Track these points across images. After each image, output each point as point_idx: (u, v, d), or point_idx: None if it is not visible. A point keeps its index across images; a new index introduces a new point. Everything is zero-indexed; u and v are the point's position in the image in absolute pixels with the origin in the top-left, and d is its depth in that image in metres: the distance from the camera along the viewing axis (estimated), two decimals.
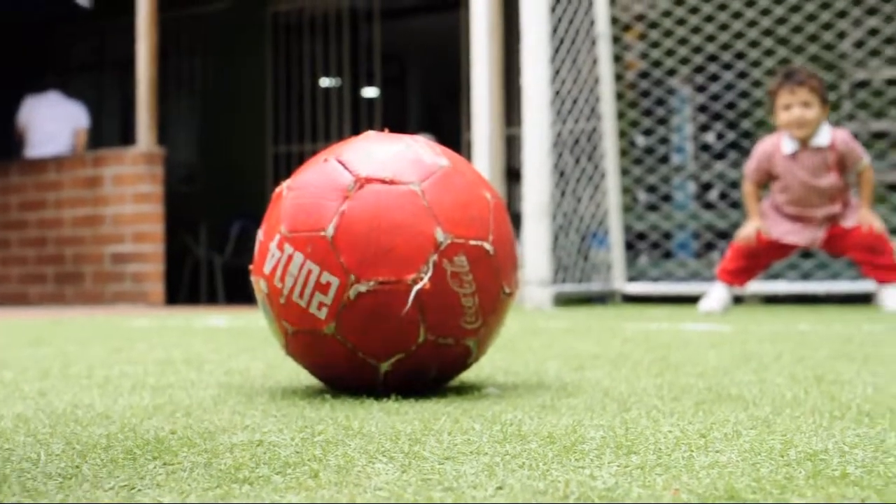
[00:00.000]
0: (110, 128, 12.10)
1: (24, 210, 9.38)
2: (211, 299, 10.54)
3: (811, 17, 7.74)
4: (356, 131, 10.81)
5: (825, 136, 5.37)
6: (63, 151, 9.58)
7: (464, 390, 2.09)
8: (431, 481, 1.17)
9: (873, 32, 7.51)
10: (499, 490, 1.11)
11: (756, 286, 7.14)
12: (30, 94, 9.88)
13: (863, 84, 7.65)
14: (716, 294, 5.70)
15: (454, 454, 1.37)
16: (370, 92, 11.07)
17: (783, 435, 1.49)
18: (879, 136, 7.55)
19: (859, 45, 7.60)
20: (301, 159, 10.97)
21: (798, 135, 5.35)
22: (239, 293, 10.00)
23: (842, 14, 7.54)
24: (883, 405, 1.79)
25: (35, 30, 11.89)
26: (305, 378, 2.32)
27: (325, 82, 11.13)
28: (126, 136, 11.54)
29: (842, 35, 7.60)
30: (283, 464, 1.29)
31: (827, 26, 7.53)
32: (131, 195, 8.71)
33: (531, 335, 3.85)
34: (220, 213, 10.55)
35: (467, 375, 2.38)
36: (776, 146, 5.51)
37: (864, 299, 6.55)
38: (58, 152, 9.53)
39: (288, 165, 10.99)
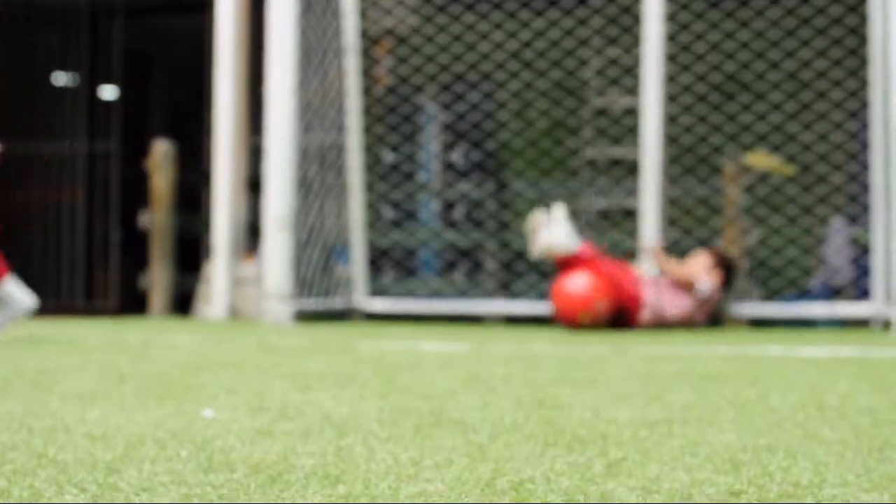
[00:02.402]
0: None
1: None
2: None
3: (555, 44, 7.97)
4: (92, 132, 10.37)
5: None
6: None
7: (180, 412, 1.99)
8: None
9: (613, 62, 7.81)
10: None
11: (498, 306, 7.28)
12: None
13: (602, 111, 7.93)
14: None
15: (152, 485, 1.29)
16: (108, 91, 10.64)
17: (495, 463, 1.47)
18: (616, 162, 7.84)
19: (600, 73, 7.88)
20: (30, 160, 10.41)
21: None
22: None
23: (584, 42, 7.81)
24: (596, 430, 1.81)
25: None
26: (10, 397, 2.16)
27: (58, 79, 10.63)
28: None
29: (584, 62, 7.86)
30: None
31: (570, 53, 7.78)
32: None
33: (264, 353, 3.76)
34: None
35: (189, 394, 2.28)
36: None
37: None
38: None
39: (14, 167, 10.38)
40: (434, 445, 1.63)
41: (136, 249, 10.98)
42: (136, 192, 11.99)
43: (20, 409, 1.99)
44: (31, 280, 10.74)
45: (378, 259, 7.98)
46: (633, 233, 6.85)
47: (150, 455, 1.52)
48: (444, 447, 1.61)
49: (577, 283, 5.76)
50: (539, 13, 7.98)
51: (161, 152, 7.97)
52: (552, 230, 5.94)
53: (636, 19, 7.06)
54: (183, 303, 7.93)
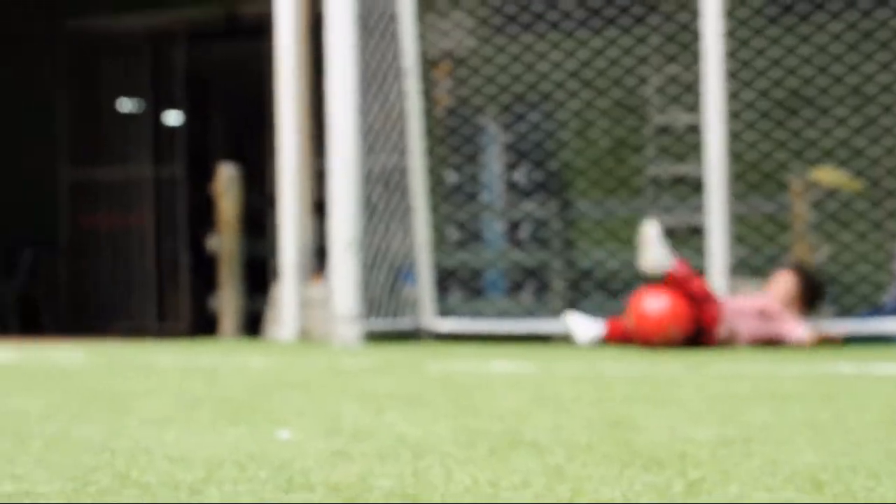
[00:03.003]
0: None
1: None
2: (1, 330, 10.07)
3: (614, 62, 7.96)
4: (158, 157, 10.52)
5: None
6: None
7: (256, 434, 2.01)
8: None
9: (673, 79, 7.78)
10: None
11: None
12: None
13: (665, 129, 7.89)
14: None
15: None
16: (172, 116, 10.78)
17: (573, 484, 1.47)
18: (680, 179, 7.79)
19: (660, 90, 7.85)
20: (98, 186, 10.59)
21: None
22: (30, 324, 9.58)
23: (643, 60, 7.78)
24: (673, 450, 1.80)
25: None
26: (86, 421, 2.20)
27: (124, 105, 10.79)
28: None
29: (644, 80, 7.83)
30: None
31: (629, 71, 7.76)
32: None
33: (335, 374, 3.79)
34: (9, 241, 10.07)
35: (264, 416, 2.31)
36: None
37: None
38: None
39: (84, 192, 10.57)
40: (510, 466, 1.63)
41: (204, 272, 11.11)
42: (203, 215, 12.15)
43: (101, 432, 2.02)
44: (103, 303, 10.96)
45: (445, 279, 7.99)
46: (700, 250, 6.79)
47: (231, 476, 1.54)
48: (521, 468, 1.61)
49: (655, 305, 5.75)
50: (597, 32, 7.97)
51: (226, 176, 8.06)
52: (650, 247, 5.97)
53: (695, 36, 7.02)
54: (252, 324, 8.00)
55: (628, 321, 5.92)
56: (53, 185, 10.51)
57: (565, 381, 3.49)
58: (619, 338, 5.91)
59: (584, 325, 5.89)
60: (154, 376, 3.71)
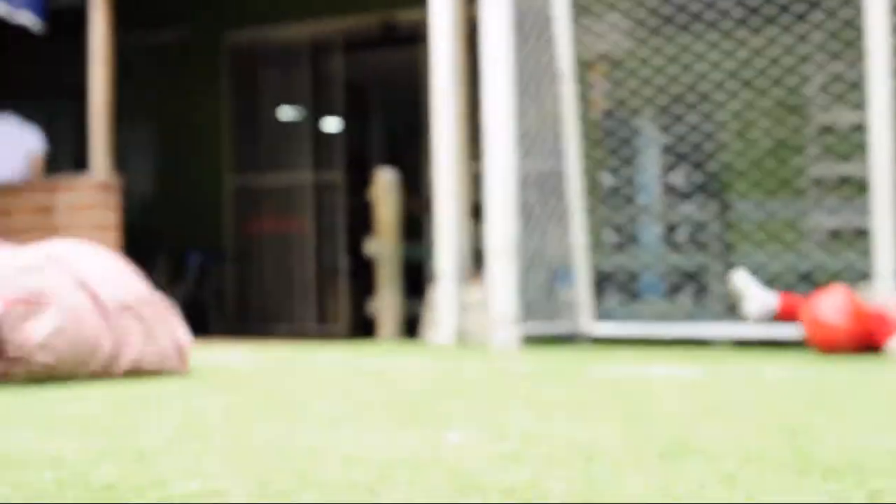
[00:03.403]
0: (64, 155, 11.96)
1: None
2: None
3: (775, 61, 7.80)
4: (317, 163, 10.75)
5: None
6: (16, 177, 9.45)
7: (426, 437, 2.04)
8: None
9: (837, 77, 7.57)
10: None
11: (726, 329, 7.13)
12: None
13: (828, 128, 7.70)
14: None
15: None
16: (331, 123, 11.02)
17: (748, 491, 1.46)
18: (845, 180, 7.59)
19: (823, 89, 7.66)
20: (261, 192, 10.89)
21: None
22: (198, 327, 9.89)
23: (805, 59, 7.60)
24: (851, 459, 1.77)
25: None
26: (264, 422, 2.27)
27: (284, 113, 11.07)
28: (80, 163, 11.40)
29: (806, 79, 7.65)
30: None
31: (791, 70, 7.59)
32: (86, 224, 8.59)
33: (496, 378, 3.81)
34: (178, 245, 10.46)
35: (432, 419, 2.34)
36: None
37: None
38: (10, 178, 9.41)
39: (247, 198, 10.89)
40: (682, 472, 1.62)
41: (363, 276, 11.30)
42: (361, 220, 12.35)
43: (277, 433, 2.08)
44: (265, 306, 11.25)
45: (601, 283, 7.96)
46: (866, 253, 6.60)
47: (405, 478, 1.57)
48: (693, 474, 1.60)
49: (831, 314, 5.64)
50: (756, 31, 7.82)
51: (385, 181, 8.18)
52: (747, 295, 5.92)
53: (859, 33, 6.82)
54: (410, 327, 8.11)
55: (802, 318, 5.79)
56: (218, 192, 10.86)
57: (730, 385, 3.44)
58: (789, 318, 5.81)
59: (759, 295, 5.78)
60: (321, 378, 3.79)
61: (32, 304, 3.28)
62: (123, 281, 3.61)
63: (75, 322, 3.33)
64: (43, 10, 8.81)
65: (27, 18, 8.68)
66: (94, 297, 3.44)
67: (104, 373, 3.40)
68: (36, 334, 3.23)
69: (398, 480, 1.56)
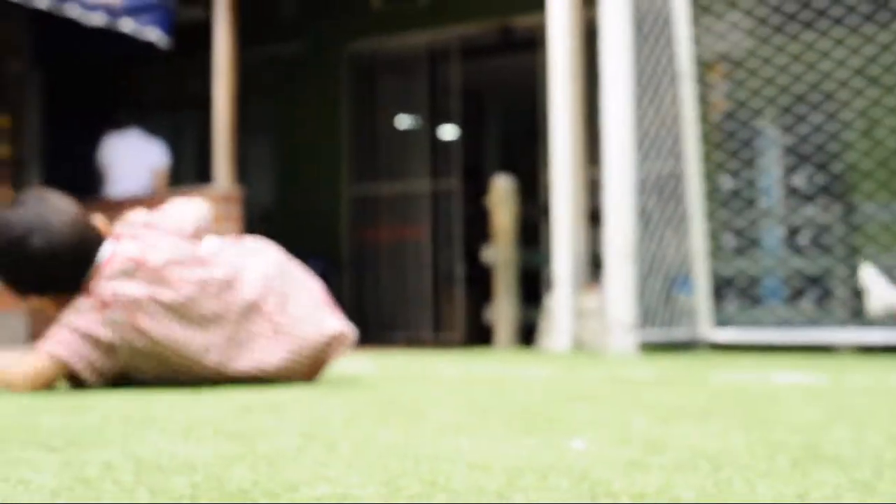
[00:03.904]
0: (187, 167, 12.27)
1: None
2: None
3: None
4: (435, 171, 10.82)
5: None
6: (142, 190, 9.72)
7: (549, 444, 2.04)
8: None
9: None
10: None
11: (851, 335, 6.96)
12: (109, 134, 10.04)
13: None
14: None
15: None
16: (448, 131, 11.06)
17: (888, 501, 1.42)
18: None
19: None
20: (378, 201, 11.00)
21: None
22: None
23: None
24: None
25: (114, 69, 12.12)
26: (386, 428, 2.29)
27: (401, 122, 11.16)
28: (203, 175, 11.67)
29: None
30: None
31: None
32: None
33: (616, 384, 3.79)
34: (298, 255, 10.62)
35: (553, 426, 2.33)
36: None
37: None
38: (137, 191, 9.68)
39: (364, 207, 11.03)
40: (815, 481, 1.59)
41: (479, 284, 11.32)
42: (478, 227, 12.36)
43: (402, 439, 2.10)
44: (383, 314, 11.35)
45: (721, 288, 7.85)
46: None
47: (533, 484, 1.56)
48: (827, 483, 1.57)
49: None
50: (884, 26, 7.63)
51: (502, 188, 8.19)
52: (874, 291, 5.78)
53: None
54: (526, 334, 8.10)
55: None
56: (337, 200, 11.01)
57: (858, 393, 3.36)
58: None
59: (884, 293, 5.68)
60: (440, 385, 3.81)
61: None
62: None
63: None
64: (169, 26, 9.06)
65: (154, 35, 8.94)
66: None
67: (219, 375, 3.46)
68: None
69: (526, 486, 1.56)
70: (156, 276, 3.33)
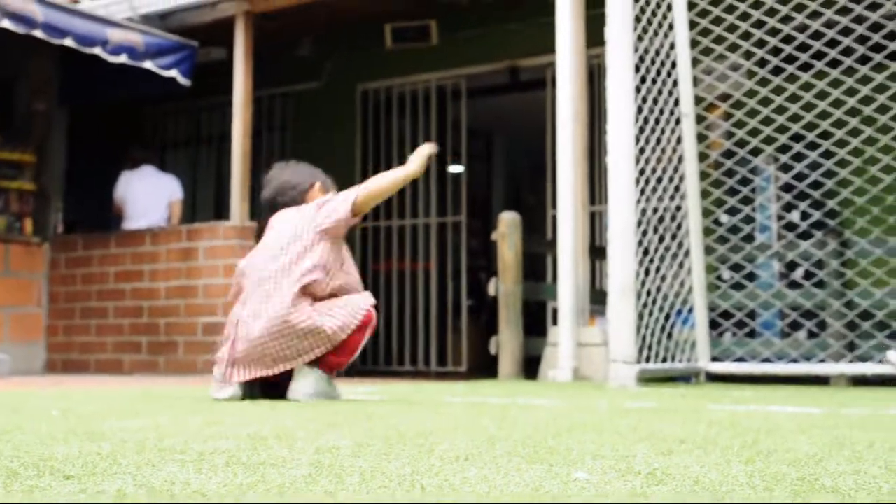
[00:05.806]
0: (204, 201, 12.37)
1: (120, 280, 9.60)
2: None
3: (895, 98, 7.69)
4: (442, 207, 10.90)
5: None
6: (158, 224, 9.82)
7: (553, 474, 2.09)
8: None
9: None
10: None
11: (844, 367, 7.03)
12: (126, 170, 10.20)
13: None
14: None
15: None
16: (456, 168, 11.16)
17: None
18: None
19: None
20: (387, 233, 11.09)
21: None
22: None
23: None
24: None
25: (134, 108, 12.25)
26: (394, 458, 2.35)
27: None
28: (220, 209, 11.77)
29: None
30: None
31: None
32: (223, 267, 8.87)
33: (618, 416, 3.84)
34: None
35: (552, 457, 2.39)
36: None
37: None
38: (153, 224, 9.77)
39: (375, 240, 11.10)
40: None
41: (484, 316, 11.35)
42: (483, 260, 12.42)
43: (408, 469, 2.15)
44: (389, 345, 11.38)
45: (718, 321, 7.92)
46: None
47: None
48: None
49: None
50: (877, 68, 7.74)
51: (507, 223, 8.28)
52: None
53: None
54: (529, 366, 8.14)
55: None
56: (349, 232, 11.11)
57: (854, 425, 3.41)
58: None
59: None
60: (444, 415, 3.86)
61: None
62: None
63: None
64: (190, 68, 9.20)
65: (175, 76, 9.08)
66: None
67: None
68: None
69: None
70: None
